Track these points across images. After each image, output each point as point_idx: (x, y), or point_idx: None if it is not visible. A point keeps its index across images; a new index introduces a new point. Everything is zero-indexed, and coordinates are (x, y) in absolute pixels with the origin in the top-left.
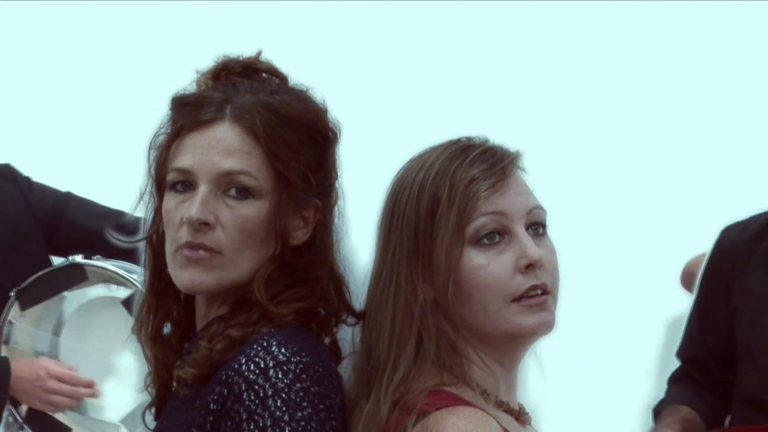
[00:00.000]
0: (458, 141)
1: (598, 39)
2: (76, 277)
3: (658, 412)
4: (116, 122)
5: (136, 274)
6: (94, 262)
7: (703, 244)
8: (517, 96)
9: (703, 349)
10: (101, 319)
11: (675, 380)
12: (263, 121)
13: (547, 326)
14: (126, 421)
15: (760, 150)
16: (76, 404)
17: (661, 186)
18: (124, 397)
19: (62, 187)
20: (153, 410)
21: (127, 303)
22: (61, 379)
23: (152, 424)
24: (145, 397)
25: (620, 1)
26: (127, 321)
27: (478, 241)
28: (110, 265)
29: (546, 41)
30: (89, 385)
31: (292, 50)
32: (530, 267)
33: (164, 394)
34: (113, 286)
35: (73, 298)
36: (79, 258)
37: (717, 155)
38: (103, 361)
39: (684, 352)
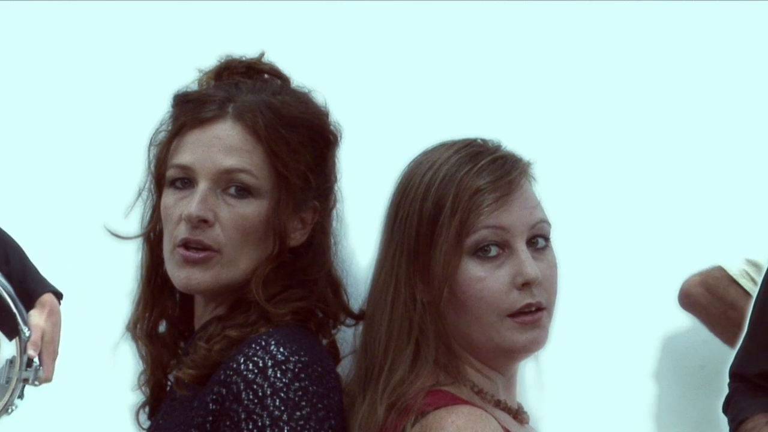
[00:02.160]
0: (471, 143)
1: (603, 41)
2: None
3: (743, 421)
4: (117, 120)
5: None
6: None
7: (703, 255)
8: (520, 104)
9: None
10: None
11: (743, 390)
12: (265, 121)
13: (538, 344)
14: None
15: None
16: None
17: (663, 196)
18: None
19: (62, 185)
20: (147, 409)
21: None
22: None
23: (146, 423)
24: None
25: (633, 1)
26: None
27: (476, 253)
28: None
29: (549, 43)
30: None
31: (294, 52)
32: (526, 285)
33: (158, 393)
34: None
35: None
36: None
37: (722, 168)
38: None
39: (752, 366)
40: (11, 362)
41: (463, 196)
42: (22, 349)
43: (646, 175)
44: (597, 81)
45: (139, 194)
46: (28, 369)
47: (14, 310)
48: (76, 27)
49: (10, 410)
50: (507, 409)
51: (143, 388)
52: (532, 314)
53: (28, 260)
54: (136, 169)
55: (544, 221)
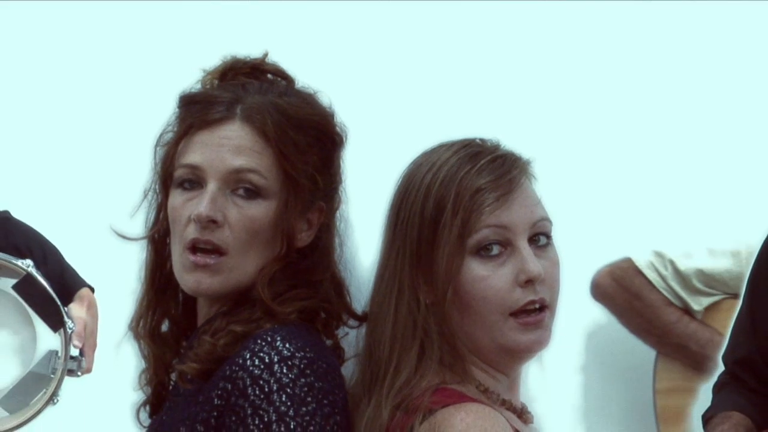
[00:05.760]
0: (470, 143)
1: (597, 41)
2: None
3: (708, 419)
4: (121, 121)
5: (18, 261)
6: None
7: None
8: (518, 104)
9: (754, 348)
10: None
11: (721, 386)
12: (274, 123)
13: (541, 344)
14: (3, 402)
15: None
16: None
17: (653, 190)
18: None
19: (66, 185)
20: (147, 408)
21: (18, 288)
22: None
23: (147, 422)
24: (16, 378)
25: (633, 1)
26: (9, 303)
27: (478, 252)
28: None
29: (547, 43)
30: None
31: (296, 53)
32: (529, 282)
33: (160, 392)
34: None
35: None
36: None
37: (715, 164)
38: None
39: (731, 354)
40: (57, 354)
41: (464, 196)
42: (68, 341)
43: (648, 169)
44: (595, 80)
45: (145, 195)
46: (72, 360)
47: (59, 303)
48: (81, 28)
49: (55, 400)
50: (512, 409)
51: (145, 388)
52: (535, 315)
53: (64, 259)
54: (141, 170)
55: (546, 219)
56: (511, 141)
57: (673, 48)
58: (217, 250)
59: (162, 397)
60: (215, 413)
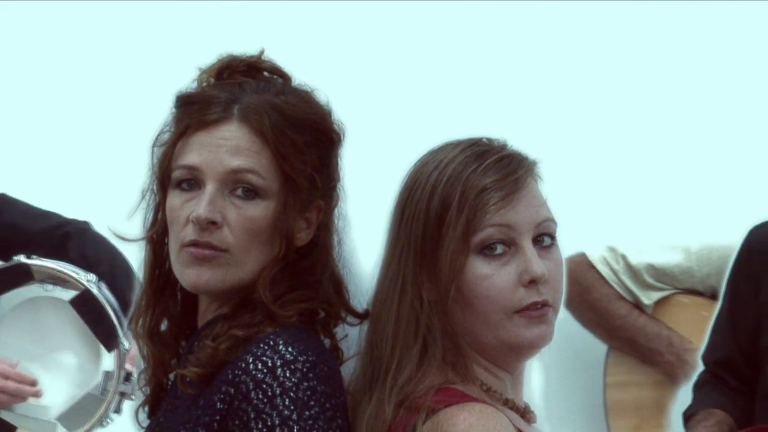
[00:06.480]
0: (477, 143)
1: (605, 41)
2: (22, 276)
3: (690, 416)
4: (118, 121)
5: (79, 274)
6: (41, 262)
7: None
8: (525, 104)
9: (734, 348)
10: (38, 318)
11: (702, 384)
12: (271, 122)
13: (544, 339)
14: (62, 419)
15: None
16: (18, 402)
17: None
18: (60, 395)
19: (64, 185)
20: (146, 408)
21: (75, 303)
22: (6, 377)
23: (145, 422)
24: (80, 395)
25: (634, 1)
26: (71, 320)
27: (482, 251)
28: (56, 264)
29: (553, 43)
30: (33, 383)
31: (296, 49)
32: (533, 282)
33: (159, 392)
34: (49, 286)
35: (6, 298)
36: (23, 258)
37: (717, 163)
38: (40, 359)
39: (712, 354)
40: (109, 375)
41: (470, 195)
42: (121, 363)
43: (651, 166)
44: (601, 81)
45: (143, 195)
46: (127, 383)
47: (116, 323)
48: (79, 28)
49: (104, 423)
50: (515, 408)
51: (144, 388)
52: (539, 309)
53: (135, 276)
54: (138, 170)
55: (550, 219)
56: (516, 140)
57: (655, 49)
58: (216, 250)
59: (160, 397)
60: (218, 417)
